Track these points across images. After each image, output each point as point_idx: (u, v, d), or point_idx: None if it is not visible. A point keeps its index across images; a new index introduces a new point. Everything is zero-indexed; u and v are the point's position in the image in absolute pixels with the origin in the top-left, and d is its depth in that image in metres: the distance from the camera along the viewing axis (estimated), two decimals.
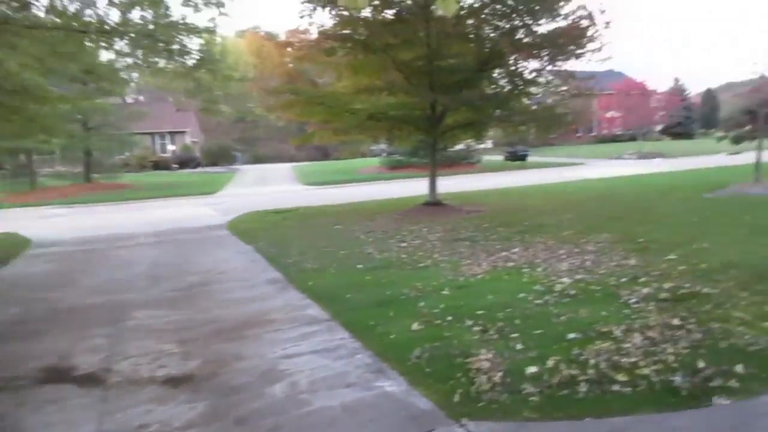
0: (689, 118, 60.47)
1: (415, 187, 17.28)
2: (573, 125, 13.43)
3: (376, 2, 10.40)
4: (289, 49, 12.00)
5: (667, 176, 19.59)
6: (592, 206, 11.87)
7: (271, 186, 25.99)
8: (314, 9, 10.25)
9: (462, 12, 10.59)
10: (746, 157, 21.06)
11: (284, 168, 39.24)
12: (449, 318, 4.70)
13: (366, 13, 10.69)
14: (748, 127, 13.30)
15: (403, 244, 8.50)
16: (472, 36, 10.88)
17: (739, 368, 3.45)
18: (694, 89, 76.05)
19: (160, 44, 9.12)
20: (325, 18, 10.64)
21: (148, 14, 8.94)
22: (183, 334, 4.77)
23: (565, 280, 5.73)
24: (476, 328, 4.41)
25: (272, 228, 11.30)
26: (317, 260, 7.64)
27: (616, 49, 35.40)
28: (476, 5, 10.54)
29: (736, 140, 13.42)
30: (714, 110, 78.96)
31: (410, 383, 3.56)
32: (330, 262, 7.46)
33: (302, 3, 10.20)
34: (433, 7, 10.22)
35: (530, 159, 31.57)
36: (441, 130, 12.46)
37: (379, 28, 10.27)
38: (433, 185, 12.64)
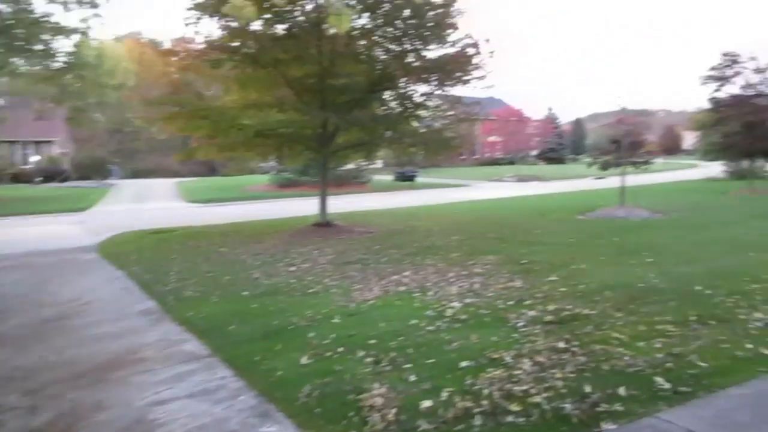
0: (561, 145, 65.71)
1: (306, 206, 16.94)
2: (459, 148, 13.85)
3: (267, 16, 10.07)
4: (173, 59, 11.24)
5: (544, 198, 20.90)
6: (477, 227, 12.25)
7: (150, 203, 24.30)
8: (200, 17, 9.70)
9: (354, 32, 10.57)
10: (610, 181, 23.08)
11: (166, 183, 37.01)
12: (340, 349, 4.47)
13: (256, 26, 10.34)
14: (613, 155, 14.53)
15: (293, 268, 8.16)
16: (363, 57, 10.89)
17: (621, 391, 3.55)
18: (565, 118, 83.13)
19: (19, 43, 8.17)
20: (213, 28, 10.08)
21: (6, 8, 7.98)
22: (31, 381, 4.10)
23: (456, 304, 5.73)
24: (368, 360, 4.22)
25: (149, 250, 10.42)
26: (198, 287, 7.09)
27: (498, 77, 37.64)
28: (368, 26, 10.57)
29: (604, 167, 14.61)
30: (582, 137, 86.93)
31: (299, 426, 3.27)
32: (213, 289, 6.94)
33: (188, 10, 9.60)
34: (325, 25, 10.11)
35: (418, 180, 32.44)
36: (332, 149, 12.30)
37: (268, 42, 9.93)
38: (323, 205, 12.41)
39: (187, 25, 9.71)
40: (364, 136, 11.94)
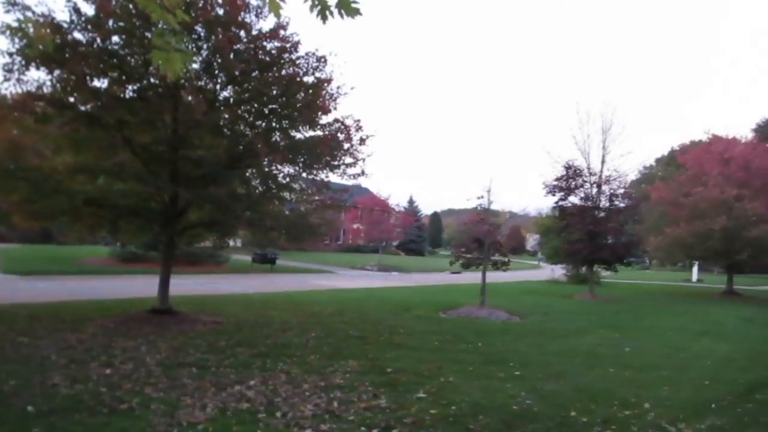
0: (421, 237, 68.35)
1: (149, 286, 14.78)
2: (324, 235, 13.09)
3: (114, 74, 8.82)
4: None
5: (406, 291, 20.64)
6: (339, 322, 11.35)
7: None
8: (25, 65, 8.11)
9: (216, 103, 9.66)
10: (466, 276, 23.53)
11: None
12: None
13: (100, 83, 9.02)
14: (475, 254, 14.67)
15: (108, 370, 6.50)
16: (225, 130, 9.92)
17: None
18: (424, 211, 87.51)
19: None
20: (45, 76, 8.48)
21: None
22: None
23: None
24: None
25: None
26: None
27: (367, 166, 38.34)
28: (232, 99, 9.72)
29: (466, 265, 14.67)
30: (439, 231, 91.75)
31: None
32: None
33: (10, 55, 7.97)
34: (182, 91, 9.08)
35: (279, 263, 31.00)
36: (181, 226, 10.87)
37: (112, 101, 8.60)
38: (164, 289, 10.74)
39: (8, 70, 8.06)
40: (219, 214, 10.71)
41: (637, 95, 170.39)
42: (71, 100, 8.83)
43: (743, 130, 62.09)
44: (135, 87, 9.04)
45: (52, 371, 6.37)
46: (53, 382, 5.91)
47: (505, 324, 12.50)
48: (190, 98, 9.17)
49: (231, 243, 14.87)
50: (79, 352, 7.42)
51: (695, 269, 40.54)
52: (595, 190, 22.19)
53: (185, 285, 17.55)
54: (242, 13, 9.27)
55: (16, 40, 7.73)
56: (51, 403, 5.20)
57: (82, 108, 8.84)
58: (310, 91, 9.75)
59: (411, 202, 78.84)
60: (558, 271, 32.44)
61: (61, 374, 6.24)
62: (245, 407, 5.30)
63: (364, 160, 11.00)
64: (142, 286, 16.32)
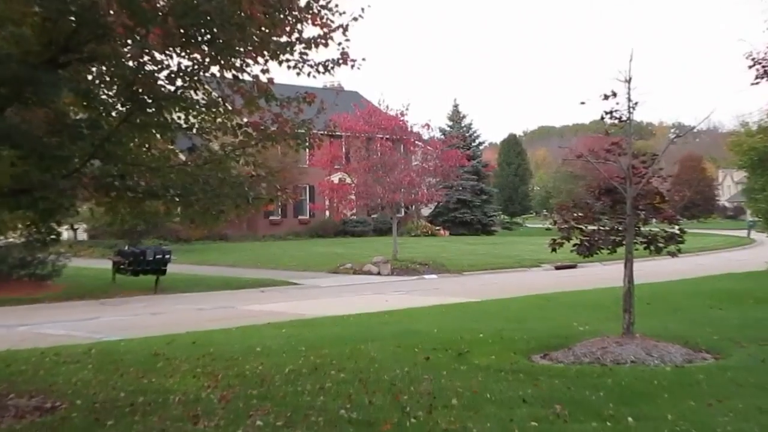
0: (483, 192, 67.62)
1: None
2: (268, 202, 13.08)
3: None
4: None
5: (457, 314, 20.80)
6: (313, 392, 11.53)
7: None
8: None
9: None
10: (589, 271, 23.62)
11: None
12: None
13: None
14: (606, 222, 14.61)
15: None
16: None
17: None
18: (486, 136, 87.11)
19: None
20: None
21: None
22: None
23: None
24: None
25: None
26: None
27: (354, 47, 38.11)
28: None
29: (586, 249, 14.56)
30: (523, 177, 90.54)
31: None
32: None
33: None
34: None
35: (173, 269, 31.27)
36: None
37: None
38: None
39: None
40: (33, 169, 10.74)
41: None
42: None
43: None
44: None
45: None
46: None
47: (683, 372, 12.61)
48: None
49: (64, 233, 14.99)
50: None
51: None
52: None
53: None
54: None
55: None
56: None
57: None
58: None
59: (455, 117, 78.23)
60: None
61: None
62: None
63: (344, 29, 10.93)
64: None
